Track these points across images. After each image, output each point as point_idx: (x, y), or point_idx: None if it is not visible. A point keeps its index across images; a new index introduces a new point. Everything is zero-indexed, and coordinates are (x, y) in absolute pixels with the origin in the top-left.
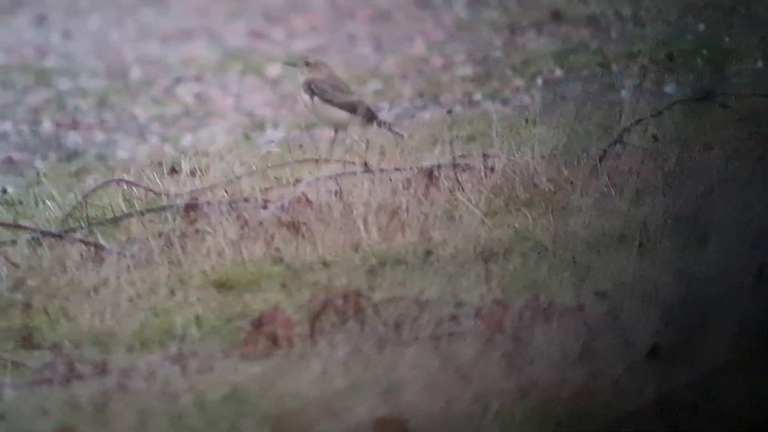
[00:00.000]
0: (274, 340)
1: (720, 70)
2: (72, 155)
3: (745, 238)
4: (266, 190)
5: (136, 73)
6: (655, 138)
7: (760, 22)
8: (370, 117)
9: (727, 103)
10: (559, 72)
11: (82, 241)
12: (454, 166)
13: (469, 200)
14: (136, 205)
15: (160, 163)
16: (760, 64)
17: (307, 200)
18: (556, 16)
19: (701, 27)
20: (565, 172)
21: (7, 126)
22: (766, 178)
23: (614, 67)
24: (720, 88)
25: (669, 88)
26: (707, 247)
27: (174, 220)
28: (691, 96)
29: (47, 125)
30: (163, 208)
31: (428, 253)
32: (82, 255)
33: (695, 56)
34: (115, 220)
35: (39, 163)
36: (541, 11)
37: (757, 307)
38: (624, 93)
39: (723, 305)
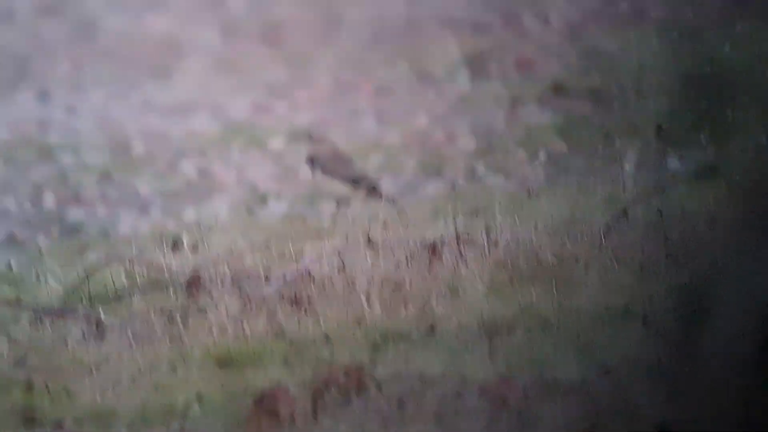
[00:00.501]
0: (276, 418)
1: (723, 145)
2: (74, 231)
3: (749, 312)
4: (269, 265)
5: (138, 148)
6: (659, 213)
7: (763, 97)
8: (373, 190)
9: (731, 178)
10: (561, 145)
11: (83, 318)
12: (458, 240)
13: (473, 275)
14: (137, 280)
15: (163, 238)
16: (763, 139)
17: (310, 275)
18: (558, 90)
19: (703, 101)
20: (569, 246)
21: (9, 202)
22: None
23: (617, 141)
24: (723, 163)
25: (672, 163)
26: (712, 322)
27: (176, 295)
28: (694, 170)
29: (50, 201)
30: (165, 284)
31: (432, 328)
32: (83, 332)
33: (698, 130)
34: (117, 297)
35: (41, 239)
36: (543, 85)
37: (762, 382)
38: (627, 167)
39: (729, 380)
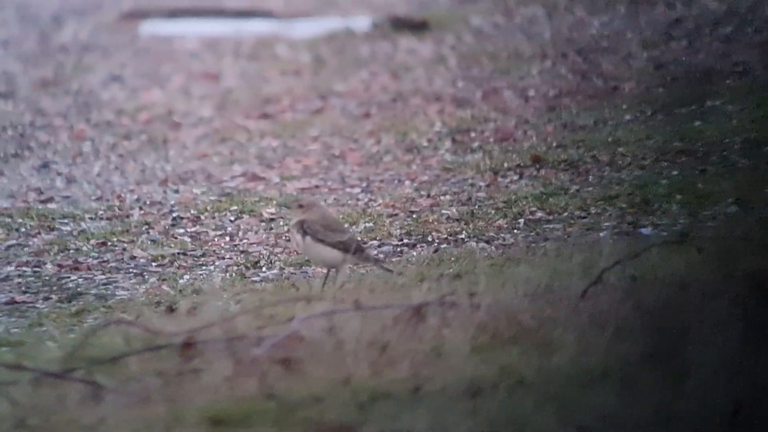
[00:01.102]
0: None
1: (694, 214)
2: (73, 296)
3: (720, 376)
4: (260, 327)
5: (135, 215)
6: (633, 278)
7: (732, 169)
8: (361, 255)
9: (702, 246)
10: (540, 213)
11: (81, 380)
12: (442, 303)
13: (456, 337)
14: (134, 344)
15: (159, 303)
16: (732, 208)
17: (300, 337)
18: (537, 161)
19: (675, 172)
20: (548, 309)
21: (10, 269)
22: (740, 317)
23: (593, 209)
24: (695, 231)
25: (646, 231)
26: (685, 385)
27: (171, 358)
28: (667, 238)
29: (49, 267)
30: (161, 347)
31: (416, 388)
32: (81, 394)
33: (670, 200)
34: (114, 360)
35: (41, 305)
36: (522, 156)
37: None
38: (603, 234)
39: None
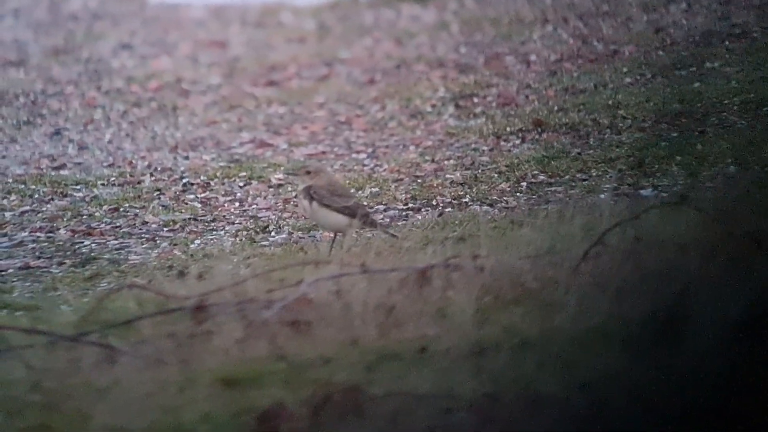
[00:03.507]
0: None
1: (694, 175)
2: (86, 261)
3: (721, 332)
4: (270, 291)
5: (147, 182)
6: (636, 239)
7: (730, 130)
8: (367, 220)
9: (702, 206)
10: (542, 176)
11: (95, 343)
12: (446, 266)
13: (461, 299)
14: (146, 307)
15: (170, 267)
16: (731, 168)
17: (308, 300)
18: (538, 125)
19: (675, 134)
20: (550, 271)
21: (24, 234)
22: (739, 277)
23: (593, 172)
24: (694, 192)
25: (646, 192)
26: (685, 342)
27: (183, 321)
28: (666, 199)
29: (63, 233)
30: (173, 311)
31: (423, 349)
32: (96, 357)
33: (670, 161)
34: (127, 323)
35: (55, 269)
36: (524, 120)
37: (734, 398)
38: (603, 197)
39: (701, 398)
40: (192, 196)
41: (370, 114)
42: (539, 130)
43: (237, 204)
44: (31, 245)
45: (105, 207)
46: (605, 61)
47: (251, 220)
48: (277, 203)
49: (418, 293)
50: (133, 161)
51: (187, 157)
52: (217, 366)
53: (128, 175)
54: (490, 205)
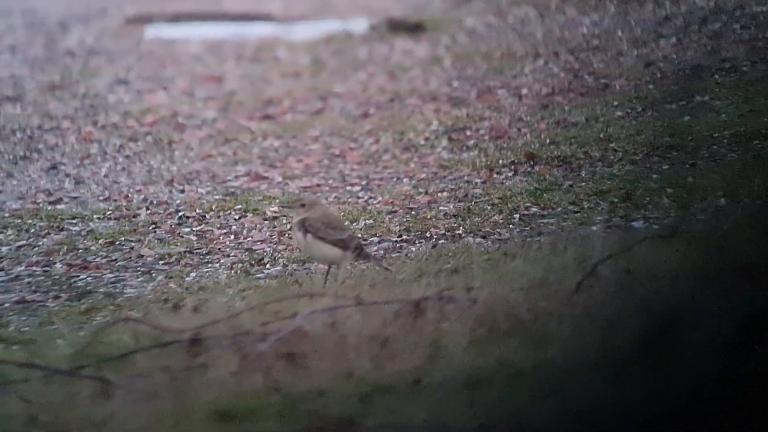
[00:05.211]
0: None
1: (685, 207)
2: (82, 295)
3: (712, 366)
4: (265, 323)
5: (143, 215)
6: (626, 271)
7: (720, 163)
8: (361, 253)
9: (692, 238)
10: (534, 209)
11: (91, 377)
12: (440, 298)
13: (454, 330)
14: (142, 341)
15: (166, 300)
16: (722, 201)
17: (303, 332)
18: (530, 157)
19: (665, 166)
20: (543, 302)
21: (20, 268)
22: (730, 308)
23: (585, 204)
24: (685, 224)
25: (637, 224)
26: (677, 375)
27: (178, 354)
28: (658, 231)
29: (59, 267)
30: (168, 344)
31: (417, 381)
32: (91, 390)
33: (661, 194)
34: (123, 356)
35: (51, 303)
36: (516, 153)
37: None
38: (595, 229)
39: (694, 428)
40: (187, 229)
41: (364, 147)
42: (531, 162)
43: (232, 237)
44: (27, 279)
45: (101, 241)
46: (596, 95)
47: (246, 253)
48: (272, 236)
49: (412, 325)
50: (129, 195)
51: (182, 191)
52: (212, 399)
53: (124, 209)
54: (484, 237)
